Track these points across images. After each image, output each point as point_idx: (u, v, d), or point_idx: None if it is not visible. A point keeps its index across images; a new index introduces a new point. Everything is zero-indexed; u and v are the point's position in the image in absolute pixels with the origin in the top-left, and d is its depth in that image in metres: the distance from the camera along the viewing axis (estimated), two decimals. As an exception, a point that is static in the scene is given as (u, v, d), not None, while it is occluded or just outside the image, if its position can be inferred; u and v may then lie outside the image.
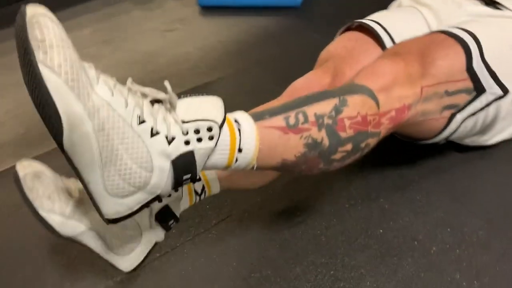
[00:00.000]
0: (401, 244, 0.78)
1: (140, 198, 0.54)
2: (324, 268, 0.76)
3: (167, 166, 0.52)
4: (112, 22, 1.65)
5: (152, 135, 0.51)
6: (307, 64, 1.29)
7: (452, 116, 0.77)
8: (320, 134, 0.61)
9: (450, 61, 0.73)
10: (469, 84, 0.74)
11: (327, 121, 0.61)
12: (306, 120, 0.60)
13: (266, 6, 1.61)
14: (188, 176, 0.54)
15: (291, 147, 0.60)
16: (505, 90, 0.76)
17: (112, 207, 0.53)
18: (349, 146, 0.63)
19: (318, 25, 1.48)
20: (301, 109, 0.61)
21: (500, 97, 0.77)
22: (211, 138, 0.54)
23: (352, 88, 0.66)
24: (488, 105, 0.77)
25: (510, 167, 0.88)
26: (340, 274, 0.75)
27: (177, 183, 0.55)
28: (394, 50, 0.77)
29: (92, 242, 0.65)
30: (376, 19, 0.89)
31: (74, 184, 0.66)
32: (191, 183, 0.68)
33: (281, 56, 1.35)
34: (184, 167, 0.54)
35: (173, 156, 0.52)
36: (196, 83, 1.28)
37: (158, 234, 0.71)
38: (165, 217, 0.70)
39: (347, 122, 0.62)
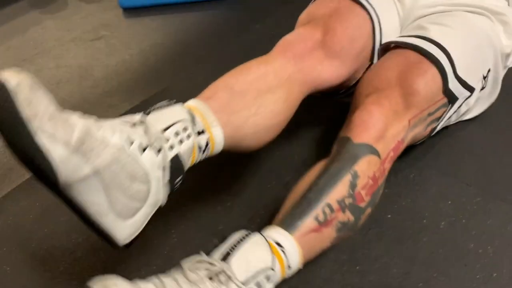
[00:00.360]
0: (412, 226, 0.80)
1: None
2: (348, 265, 0.75)
3: None
4: (25, 36, 1.47)
5: None
6: (259, 55, 1.26)
7: (434, 128, 0.83)
8: (346, 215, 0.66)
9: (430, 88, 0.75)
10: (445, 100, 0.78)
11: (347, 201, 0.65)
12: (332, 210, 0.64)
13: (193, 2, 1.54)
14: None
15: (326, 238, 0.65)
16: (472, 90, 0.81)
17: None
18: (369, 210, 0.70)
19: (255, 15, 1.44)
20: (324, 201, 0.64)
21: (469, 97, 0.82)
22: (268, 279, 0.59)
23: (355, 153, 0.68)
24: (459, 107, 0.83)
25: (485, 135, 0.94)
26: (366, 268, 0.75)
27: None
28: (374, 84, 0.77)
29: (92, 195, 0.52)
30: None
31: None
32: (196, 138, 0.65)
33: (228, 51, 1.30)
34: None
35: None
36: (146, 94, 1.18)
37: (163, 194, 0.62)
38: (175, 169, 0.61)
39: (363, 192, 0.67)
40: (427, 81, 0.75)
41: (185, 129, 0.62)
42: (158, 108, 0.63)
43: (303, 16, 0.88)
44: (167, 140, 0.59)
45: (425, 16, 0.87)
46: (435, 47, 0.76)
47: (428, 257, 0.75)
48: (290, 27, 1.34)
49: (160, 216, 0.64)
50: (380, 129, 0.71)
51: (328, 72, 0.80)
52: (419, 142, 0.86)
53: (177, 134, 0.60)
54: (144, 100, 1.15)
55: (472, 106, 0.88)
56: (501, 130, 0.95)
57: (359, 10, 0.84)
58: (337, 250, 0.77)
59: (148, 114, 0.62)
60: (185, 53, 1.33)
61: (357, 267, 0.75)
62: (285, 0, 1.45)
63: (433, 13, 0.86)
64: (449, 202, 0.83)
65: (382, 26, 0.85)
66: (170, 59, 1.31)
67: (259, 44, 1.29)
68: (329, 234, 0.65)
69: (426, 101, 0.76)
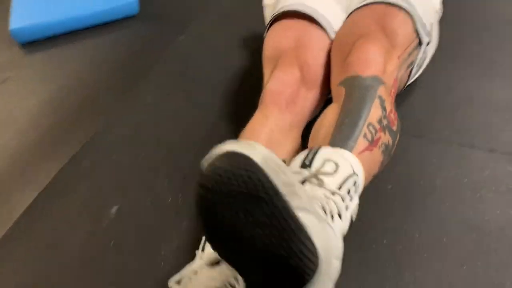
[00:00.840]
0: (413, 190, 0.85)
1: None
2: (376, 242, 0.77)
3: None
4: None
5: (333, 220, 0.51)
6: (199, 69, 1.22)
7: (411, 72, 0.88)
8: (386, 136, 0.66)
9: (405, 28, 0.82)
10: (417, 41, 0.85)
11: (384, 122, 0.66)
12: (375, 130, 0.64)
13: (100, 24, 1.43)
14: None
15: (376, 160, 0.66)
16: (430, 36, 0.88)
17: None
18: (398, 136, 0.71)
19: (174, 27, 1.38)
20: (367, 121, 0.64)
21: (428, 43, 0.89)
22: (355, 185, 0.56)
23: (370, 84, 0.70)
24: (424, 52, 0.90)
25: (435, 93, 1.03)
26: (391, 240, 0.77)
27: None
28: (357, 32, 0.80)
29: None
30: (294, 1, 0.89)
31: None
32: None
33: (164, 68, 1.23)
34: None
35: (346, 231, 0.54)
36: (88, 130, 1.06)
37: None
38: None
39: (392, 116, 0.69)
40: (400, 22, 0.81)
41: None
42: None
43: (268, 52, 0.89)
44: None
45: None
46: None
47: (439, 212, 0.81)
48: (214, 34, 1.34)
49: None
50: (381, 63, 0.74)
51: (314, 104, 0.85)
52: (399, 91, 0.91)
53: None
54: (93, 136, 1.04)
55: (423, 62, 0.96)
56: (447, 86, 1.05)
57: (315, 30, 0.87)
58: (358, 231, 0.78)
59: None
60: (114, 78, 1.23)
61: (384, 241, 0.78)
62: (201, 9, 1.43)
63: None
64: (434, 160, 0.90)
65: (334, 27, 0.90)
66: (100, 88, 1.21)
67: (192, 56, 1.26)
68: (378, 155, 0.65)
69: (406, 40, 0.81)
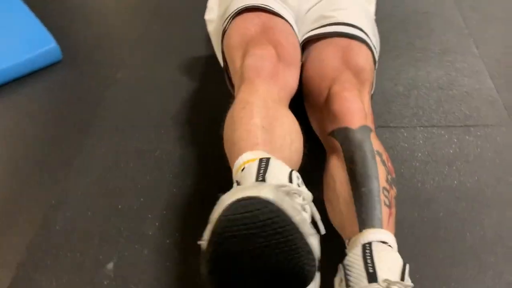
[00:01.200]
0: (397, 176, 0.89)
1: None
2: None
3: None
4: None
5: None
6: (140, 103, 1.19)
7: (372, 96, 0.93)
8: (393, 190, 0.70)
9: (368, 62, 0.86)
10: (374, 68, 0.89)
11: (389, 178, 0.70)
12: (388, 191, 0.68)
13: (22, 77, 1.31)
14: None
15: (395, 218, 0.68)
16: (377, 54, 0.93)
17: None
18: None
19: (107, 66, 1.31)
20: (380, 187, 0.67)
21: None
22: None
23: (363, 137, 0.72)
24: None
25: (381, 83, 1.12)
26: (399, 225, 0.82)
27: None
28: (328, 76, 0.82)
29: None
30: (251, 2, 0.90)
31: None
32: None
33: (104, 110, 1.16)
34: None
35: None
36: (42, 201, 0.94)
37: None
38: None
39: (389, 164, 0.73)
40: (364, 57, 0.85)
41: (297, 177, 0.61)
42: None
43: (234, 40, 0.87)
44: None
45: (315, 5, 0.97)
46: (353, 28, 0.87)
47: (427, 190, 0.88)
48: (154, 66, 1.30)
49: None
50: (362, 109, 0.76)
51: (292, 79, 0.84)
52: None
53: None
54: (56, 197, 0.95)
55: None
56: (390, 77, 1.14)
57: (280, 19, 0.88)
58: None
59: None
60: (57, 131, 1.13)
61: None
62: (131, 42, 1.38)
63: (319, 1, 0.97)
64: (405, 145, 0.97)
65: (293, 26, 0.92)
66: (44, 145, 1.10)
67: (136, 92, 1.21)
68: (394, 213, 0.68)
69: (370, 73, 0.86)
